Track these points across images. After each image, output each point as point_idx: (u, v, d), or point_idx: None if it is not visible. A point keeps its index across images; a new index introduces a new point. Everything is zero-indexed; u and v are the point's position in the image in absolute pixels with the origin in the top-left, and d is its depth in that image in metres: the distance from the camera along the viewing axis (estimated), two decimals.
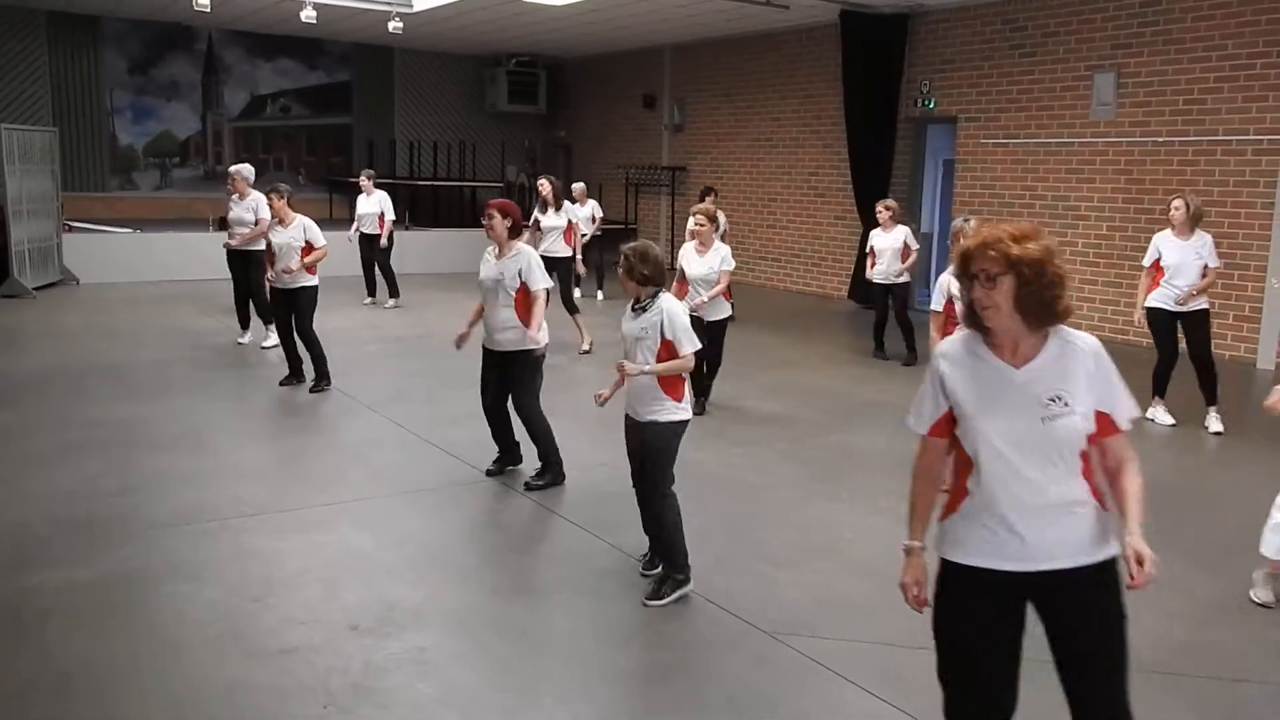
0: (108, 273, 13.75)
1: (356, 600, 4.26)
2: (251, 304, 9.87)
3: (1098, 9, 10.67)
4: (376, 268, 12.70)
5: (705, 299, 7.35)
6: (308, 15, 13.64)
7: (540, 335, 5.66)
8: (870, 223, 13.12)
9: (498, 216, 5.74)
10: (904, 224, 9.87)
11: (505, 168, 19.58)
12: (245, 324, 10.02)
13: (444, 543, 5.01)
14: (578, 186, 14.03)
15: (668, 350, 4.35)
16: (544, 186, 10.53)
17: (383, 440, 6.69)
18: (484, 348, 5.85)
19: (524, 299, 5.68)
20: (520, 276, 5.67)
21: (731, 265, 7.49)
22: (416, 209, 17.93)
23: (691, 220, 7.35)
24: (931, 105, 12.61)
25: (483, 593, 4.43)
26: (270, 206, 8.20)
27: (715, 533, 5.09)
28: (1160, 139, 10.23)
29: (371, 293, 12.80)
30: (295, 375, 8.26)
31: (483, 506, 5.56)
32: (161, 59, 17.06)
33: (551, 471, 5.82)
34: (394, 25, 14.36)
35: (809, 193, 14.50)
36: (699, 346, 4.46)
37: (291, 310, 8.11)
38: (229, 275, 9.97)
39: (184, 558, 4.63)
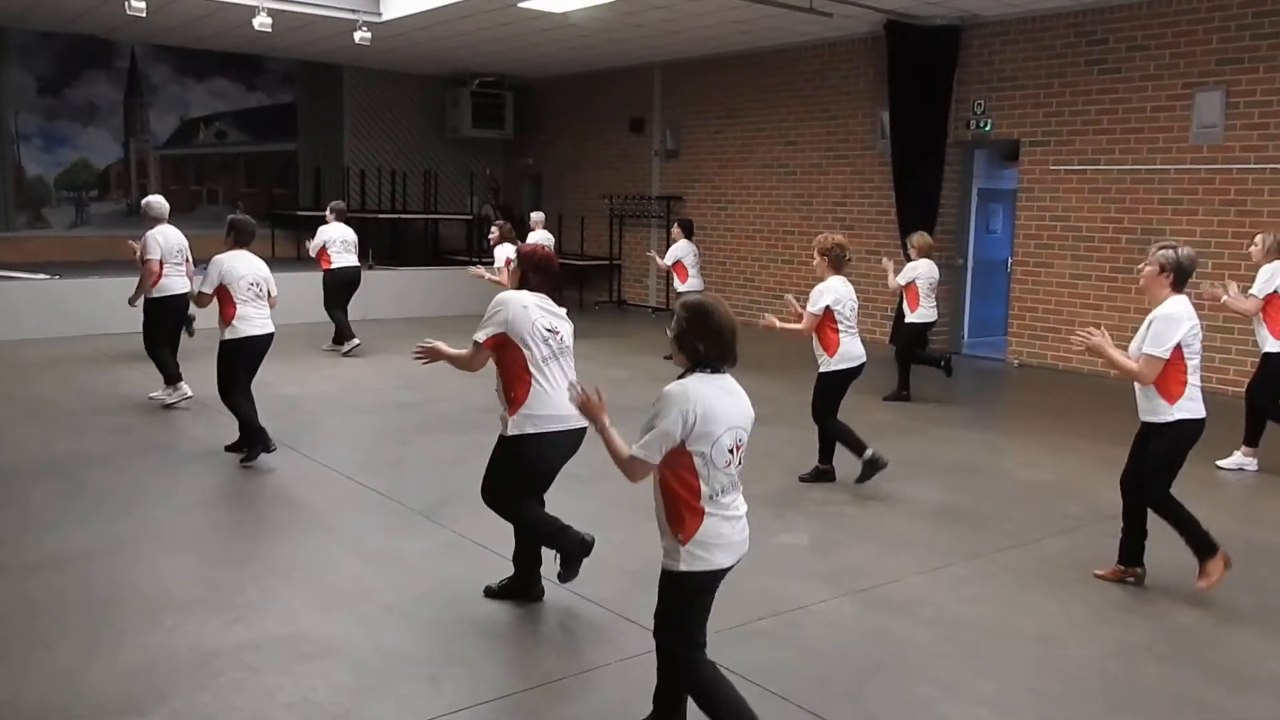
0: (19, 327, 11.44)
1: None
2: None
3: (1198, 20, 9.50)
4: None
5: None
6: (261, 22, 11.72)
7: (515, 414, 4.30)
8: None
9: (512, 262, 4.58)
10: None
11: (472, 199, 17.73)
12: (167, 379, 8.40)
13: None
14: (535, 216, 12.84)
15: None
16: (492, 233, 10.80)
17: (478, 578, 4.84)
18: None
19: (502, 364, 4.33)
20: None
21: (814, 307, 6.28)
22: (371, 245, 15.95)
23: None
24: (988, 127, 11.32)
25: None
26: None
27: None
28: None
29: (335, 339, 11.08)
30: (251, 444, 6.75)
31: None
32: (76, 77, 14.76)
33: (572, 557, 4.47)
34: (360, 36, 12.52)
35: (834, 224, 13.03)
36: (646, 458, 3.02)
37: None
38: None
39: None
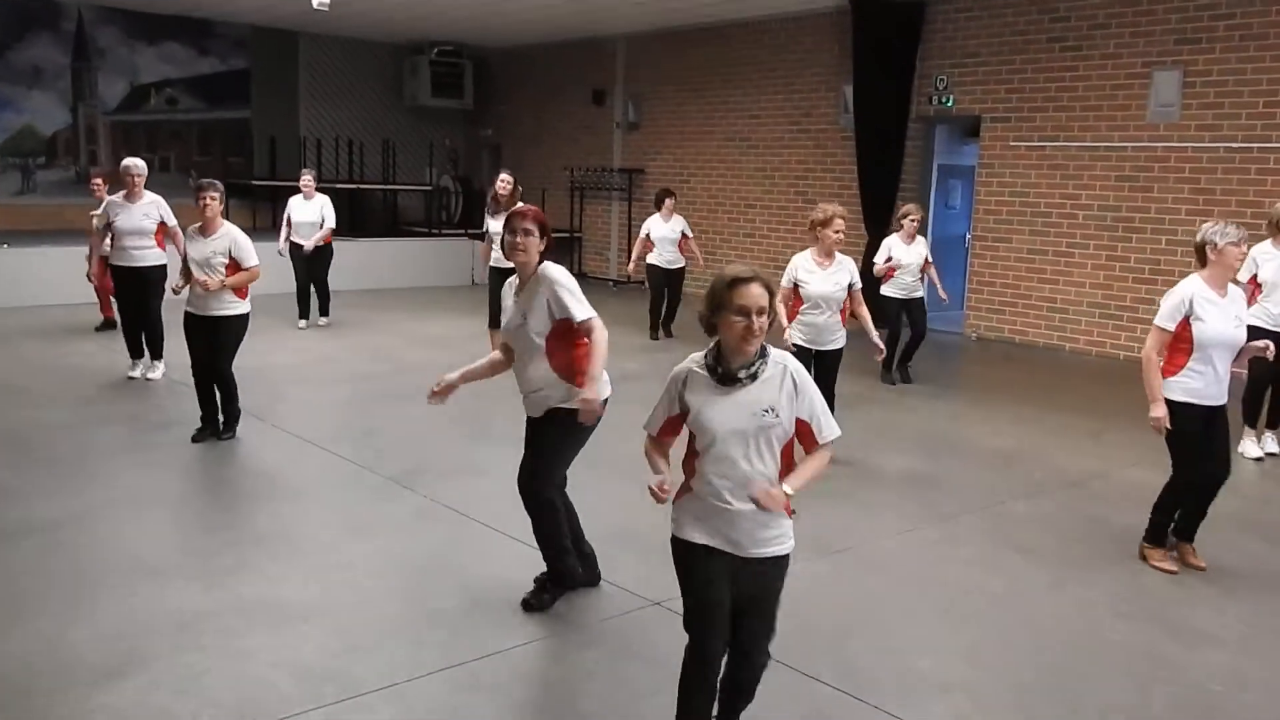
0: None
1: None
2: (142, 333, 8.08)
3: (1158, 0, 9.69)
4: (313, 285, 10.88)
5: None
6: None
7: (598, 388, 3.95)
8: (876, 231, 11.94)
9: (535, 233, 3.97)
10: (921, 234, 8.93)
11: (431, 169, 17.53)
12: (137, 353, 8.15)
13: None
14: None
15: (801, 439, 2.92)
16: (505, 184, 8.86)
17: (456, 542, 4.87)
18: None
19: (564, 343, 3.98)
20: (553, 312, 3.95)
21: (860, 283, 6.23)
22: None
23: (838, 224, 6.02)
24: (950, 103, 11.44)
25: None
26: (201, 210, 6.28)
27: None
28: (1235, 144, 9.29)
29: (306, 314, 10.89)
30: (210, 426, 6.47)
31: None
32: (21, 40, 14.32)
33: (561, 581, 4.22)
34: (319, 1, 12.26)
35: (795, 198, 13.15)
36: (839, 432, 3.00)
37: (212, 344, 6.34)
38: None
39: None
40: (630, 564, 4.57)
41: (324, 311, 11.01)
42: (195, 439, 6.38)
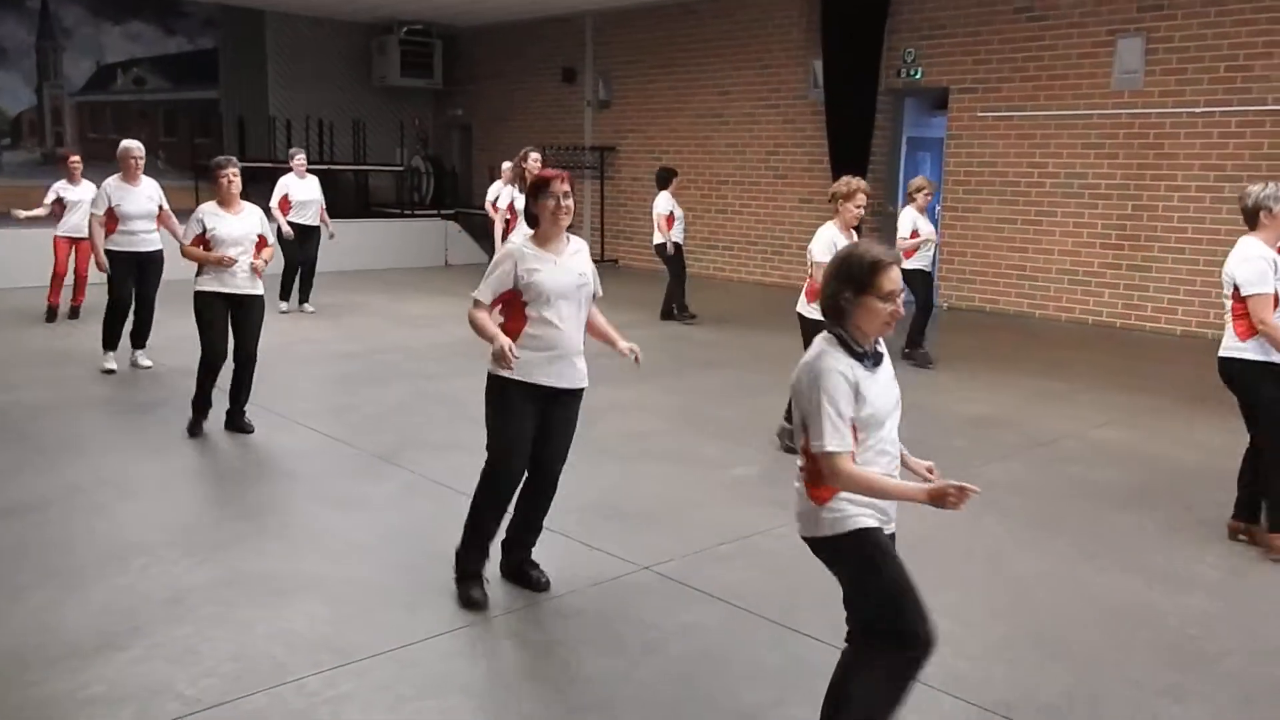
0: None
1: None
2: (131, 319, 7.79)
3: None
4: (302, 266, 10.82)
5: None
6: None
7: None
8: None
9: (571, 196, 3.89)
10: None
11: (402, 149, 17.42)
12: (113, 344, 7.79)
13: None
14: (506, 166, 12.36)
15: None
16: (537, 162, 8.61)
17: (445, 515, 4.92)
18: (536, 385, 3.84)
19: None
20: (595, 281, 4.03)
21: None
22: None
23: (860, 199, 5.99)
24: (918, 75, 11.53)
25: None
26: (226, 187, 6.04)
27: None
28: (1198, 109, 9.45)
29: (288, 296, 10.82)
30: (205, 415, 6.19)
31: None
32: None
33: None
34: None
35: (767, 173, 13.22)
36: None
37: (244, 324, 6.16)
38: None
39: None
40: (616, 533, 4.66)
41: (306, 298, 10.89)
42: (193, 433, 6.11)
